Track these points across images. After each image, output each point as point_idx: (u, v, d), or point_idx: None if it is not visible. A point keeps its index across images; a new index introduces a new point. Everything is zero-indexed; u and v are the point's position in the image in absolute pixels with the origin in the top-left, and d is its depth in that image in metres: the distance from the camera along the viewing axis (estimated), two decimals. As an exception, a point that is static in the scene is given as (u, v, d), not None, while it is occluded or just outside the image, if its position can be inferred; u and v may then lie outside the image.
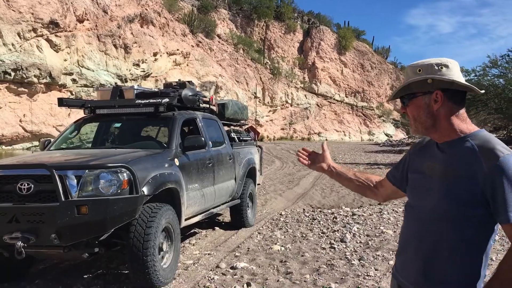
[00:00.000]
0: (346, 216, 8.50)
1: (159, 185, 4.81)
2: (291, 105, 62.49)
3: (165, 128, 5.99)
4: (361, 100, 75.15)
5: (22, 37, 29.28)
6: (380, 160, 23.74)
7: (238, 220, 7.53)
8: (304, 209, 9.46)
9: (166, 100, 5.91)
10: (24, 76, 29.21)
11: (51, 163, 4.36)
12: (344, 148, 36.46)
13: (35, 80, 30.00)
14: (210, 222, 7.96)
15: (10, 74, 28.43)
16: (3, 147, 28.35)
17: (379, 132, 75.12)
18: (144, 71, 38.70)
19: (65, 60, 32.43)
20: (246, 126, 9.02)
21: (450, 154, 1.75)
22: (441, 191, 1.72)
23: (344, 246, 6.37)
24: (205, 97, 7.01)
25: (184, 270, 5.31)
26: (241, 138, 8.13)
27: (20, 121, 29.96)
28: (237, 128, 8.59)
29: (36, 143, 29.83)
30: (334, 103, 70.78)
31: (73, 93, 33.95)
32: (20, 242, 4.10)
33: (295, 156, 25.75)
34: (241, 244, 6.52)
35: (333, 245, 6.38)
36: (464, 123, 1.77)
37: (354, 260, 5.64)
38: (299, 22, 66.26)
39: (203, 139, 5.72)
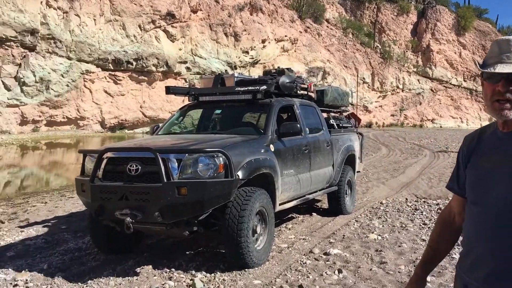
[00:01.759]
0: (452, 207, 8.05)
1: (253, 170, 4.99)
2: (402, 90, 59.88)
3: (263, 114, 6.16)
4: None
5: (142, 28, 31.53)
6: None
7: (335, 207, 7.52)
8: (406, 199, 9.13)
9: (264, 87, 6.07)
10: (144, 65, 31.54)
11: (156, 147, 4.73)
12: (459, 136, 34.16)
13: (154, 69, 32.25)
14: (307, 207, 8.04)
15: (132, 64, 30.86)
16: (126, 131, 31.00)
17: (502, 118, 68.98)
18: (253, 58, 39.60)
19: (180, 49, 34.34)
20: (347, 113, 8.89)
21: None
22: None
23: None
24: (303, 83, 7.06)
25: (278, 253, 5.47)
26: (340, 124, 8.06)
27: (141, 107, 32.48)
28: (337, 114, 8.51)
29: (154, 127, 32.15)
30: (450, 87, 66.44)
31: (187, 80, 35.92)
32: (129, 218, 4.53)
33: (403, 143, 24.83)
34: (337, 231, 6.52)
35: (433, 237, 6.12)
36: None
37: (455, 254, 5.36)
38: (413, 2, 62.92)
39: (298, 125, 5.79)
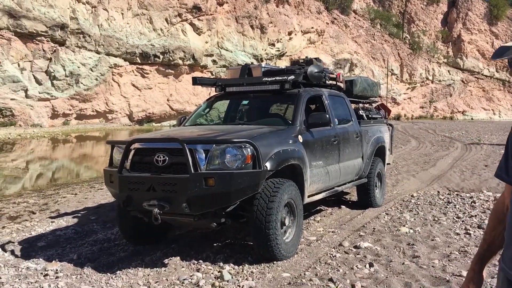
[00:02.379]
0: (487, 201, 7.79)
1: (281, 161, 4.89)
2: (432, 82, 58.66)
3: (291, 105, 6.04)
4: (516, 74, 67.60)
5: (169, 22, 31.69)
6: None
7: (365, 200, 7.37)
8: (438, 192, 8.89)
9: (292, 77, 5.95)
10: (171, 58, 31.73)
11: (183, 138, 4.68)
12: (492, 128, 33.32)
13: (180, 62, 32.41)
14: (336, 200, 7.91)
15: (159, 57, 31.08)
16: (153, 124, 31.31)
17: (537, 110, 67.00)
18: (279, 51, 39.37)
19: (206, 42, 34.40)
20: (377, 104, 8.69)
21: None
22: None
23: (482, 232, 5.86)
24: (331, 73, 6.91)
25: (307, 246, 5.37)
26: (370, 115, 7.87)
27: (167, 100, 32.72)
28: (367, 105, 8.32)
29: (181, 120, 32.39)
30: (482, 78, 64.79)
31: (213, 73, 35.98)
32: (157, 209, 4.51)
33: (433, 135, 24.29)
34: (367, 224, 6.38)
35: (468, 231, 5.92)
36: None
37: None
38: (443, -9, 61.42)
39: (327, 116, 5.66)
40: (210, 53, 34.70)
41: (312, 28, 42.90)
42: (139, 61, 30.30)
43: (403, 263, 4.76)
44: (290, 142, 5.22)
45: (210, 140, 4.71)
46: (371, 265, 4.66)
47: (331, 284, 4.18)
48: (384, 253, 5.11)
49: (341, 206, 7.53)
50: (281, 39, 39.57)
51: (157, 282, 4.38)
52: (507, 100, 66.93)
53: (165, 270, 4.70)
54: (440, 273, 4.46)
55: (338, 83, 6.98)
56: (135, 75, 30.61)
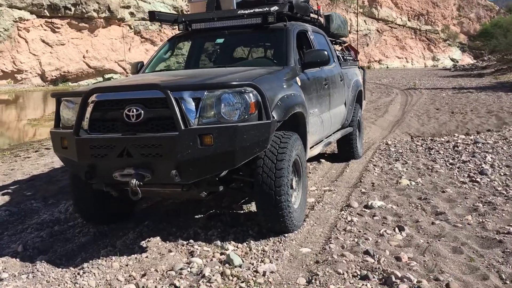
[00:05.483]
0: (468, 144, 7.37)
1: (288, 109, 3.89)
2: (350, 32, 59.39)
3: (277, 41, 4.97)
4: (425, 23, 70.79)
5: (78, -31, 28.52)
6: (465, 84, 21.89)
7: (347, 151, 6.60)
8: (412, 138, 8.40)
9: (276, 8, 4.85)
10: (84, 11, 28.83)
11: (164, 83, 3.50)
12: (414, 74, 34.30)
13: (95, 14, 29.60)
14: (312, 153, 7.09)
15: (70, 10, 28.08)
16: (69, 83, 28.53)
17: (444, 57, 70.88)
18: (200, 1, 37.31)
19: (123, -8, 31.62)
20: (345, 44, 7.83)
21: None
22: None
23: (488, 180, 5.33)
24: (312, 6, 5.90)
25: (311, 210, 4.50)
26: (344, 57, 7.01)
27: (84, 57, 29.93)
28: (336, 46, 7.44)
29: (100, 79, 29.88)
30: (395, 28, 67.00)
31: (132, 27, 33.39)
32: (135, 180, 3.36)
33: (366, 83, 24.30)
34: (363, 179, 5.62)
35: (473, 178, 5.36)
36: None
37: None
38: None
39: (326, 53, 4.66)
40: (127, 5, 32.06)
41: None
42: (47, 14, 27.19)
43: (432, 223, 4.04)
44: (286, 86, 4.19)
45: (201, 85, 3.55)
46: (400, 228, 3.90)
47: (369, 258, 3.35)
48: (403, 212, 4.38)
49: (320, 160, 6.73)
50: (202, -12, 37.45)
51: (144, 275, 3.30)
52: (419, 48, 69.96)
53: (147, 257, 3.62)
54: (483, 232, 3.79)
55: (319, 18, 5.97)
56: (45, 30, 27.52)
